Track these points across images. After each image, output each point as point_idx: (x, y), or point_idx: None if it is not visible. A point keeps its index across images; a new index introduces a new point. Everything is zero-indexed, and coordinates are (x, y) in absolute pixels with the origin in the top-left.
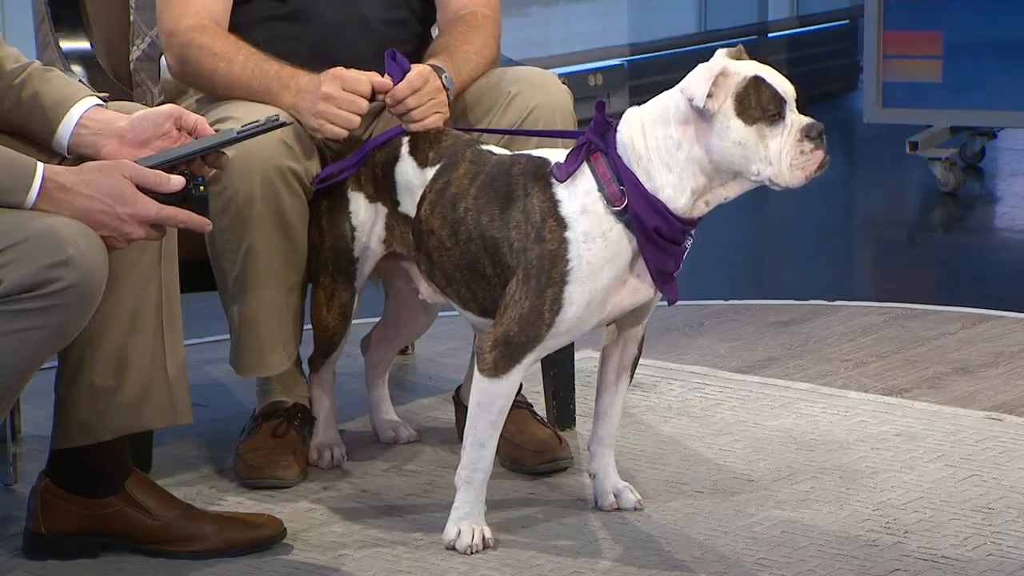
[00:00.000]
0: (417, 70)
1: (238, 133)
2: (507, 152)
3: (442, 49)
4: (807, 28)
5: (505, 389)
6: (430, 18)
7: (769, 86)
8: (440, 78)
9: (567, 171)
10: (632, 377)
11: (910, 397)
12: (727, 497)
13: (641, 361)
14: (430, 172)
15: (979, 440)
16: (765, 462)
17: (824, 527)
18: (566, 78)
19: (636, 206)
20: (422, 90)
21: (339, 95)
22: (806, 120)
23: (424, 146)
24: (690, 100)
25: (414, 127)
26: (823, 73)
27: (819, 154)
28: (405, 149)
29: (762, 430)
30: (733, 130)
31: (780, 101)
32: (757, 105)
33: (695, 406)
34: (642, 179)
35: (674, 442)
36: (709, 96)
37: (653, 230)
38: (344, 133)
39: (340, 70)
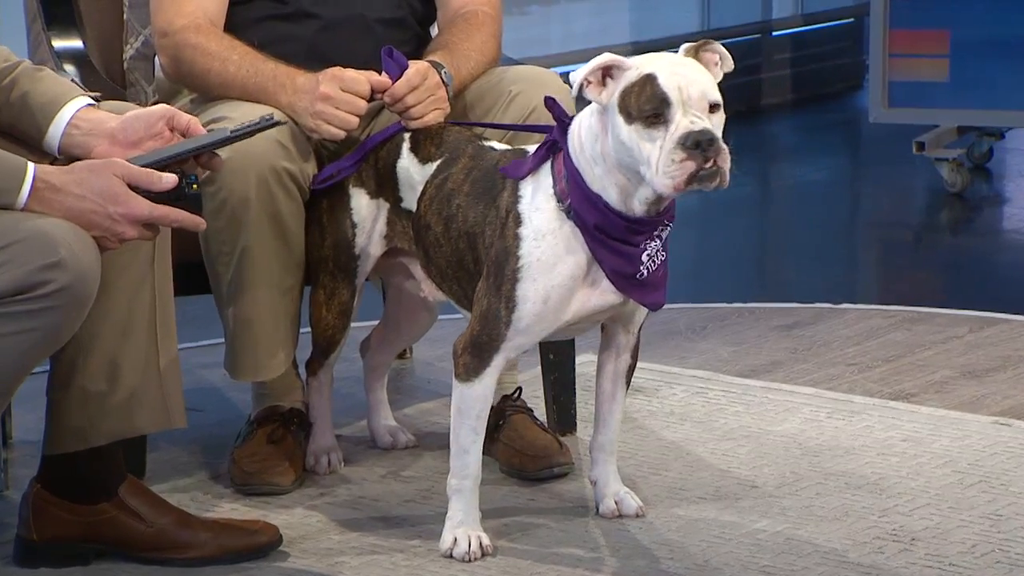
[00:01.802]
0: (415, 67)
1: (232, 133)
2: (508, 148)
3: (442, 46)
4: (812, 26)
5: (479, 392)
6: (430, 18)
7: (655, 86)
8: (439, 74)
9: (526, 168)
10: (628, 385)
11: (917, 402)
12: (730, 504)
13: (643, 365)
14: (431, 167)
15: (987, 445)
16: (769, 468)
17: (829, 534)
18: (567, 77)
19: (576, 202)
20: (421, 87)
21: (337, 95)
22: (687, 127)
23: (426, 142)
24: (571, 87)
25: (413, 124)
26: (828, 72)
27: (689, 165)
28: (407, 145)
29: (766, 435)
30: (616, 126)
31: (661, 103)
32: (636, 104)
33: (698, 411)
34: (585, 176)
35: (676, 448)
36: (603, 87)
37: (594, 227)
38: (342, 134)
39: (338, 70)
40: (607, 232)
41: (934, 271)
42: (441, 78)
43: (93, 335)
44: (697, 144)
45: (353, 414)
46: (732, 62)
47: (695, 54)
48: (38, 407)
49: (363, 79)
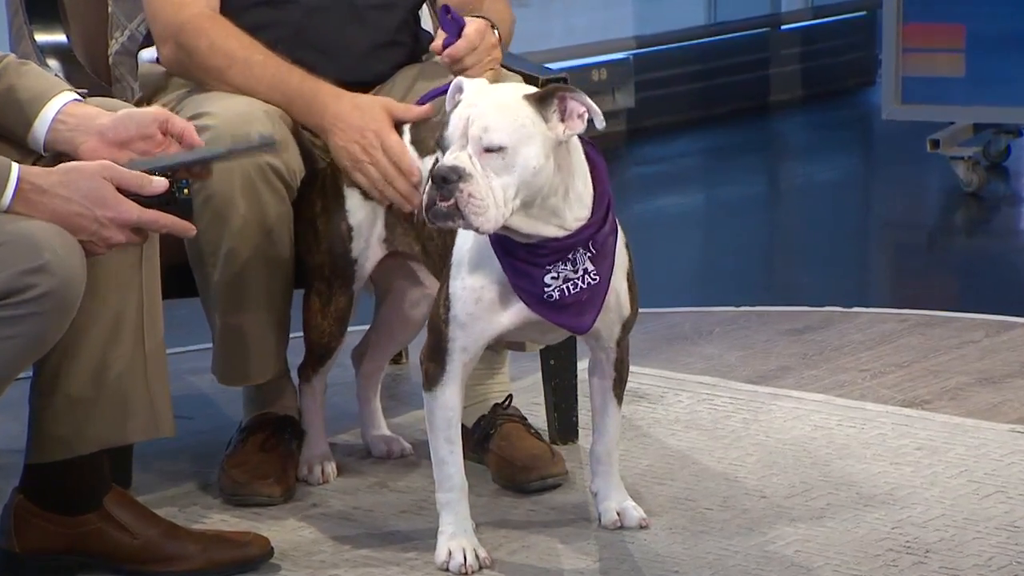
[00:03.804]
0: (474, 26)
1: (229, 150)
2: None
3: (476, 12)
4: (822, 20)
5: (442, 401)
6: (419, 2)
7: (448, 116)
8: (495, 33)
9: None
10: (621, 398)
11: (931, 409)
12: (738, 514)
13: (647, 371)
14: (430, 160)
15: (1004, 454)
16: (778, 477)
17: (840, 546)
18: (568, 73)
19: None
20: (480, 47)
21: (383, 163)
22: (444, 161)
23: (426, 136)
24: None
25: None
26: (839, 67)
27: (429, 197)
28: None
29: (775, 443)
30: None
31: (443, 134)
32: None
33: (704, 418)
34: None
35: (682, 456)
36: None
37: (496, 240)
38: (377, 184)
39: (383, 127)
40: (507, 249)
41: (949, 273)
42: (492, 25)
43: (78, 340)
44: (439, 179)
45: (346, 422)
46: (602, 119)
47: (537, 99)
48: (21, 415)
49: (401, 149)
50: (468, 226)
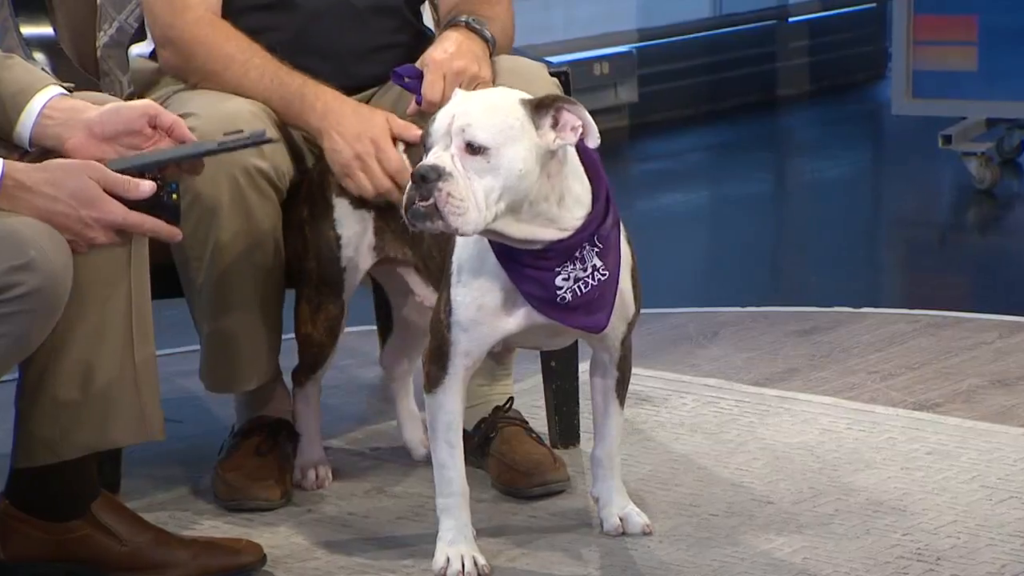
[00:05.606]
0: (430, 75)
1: (219, 145)
2: None
3: (464, 12)
4: (831, 12)
5: (443, 403)
6: (419, 2)
7: (433, 116)
8: (478, 32)
9: None
10: (623, 399)
11: (943, 412)
12: (744, 520)
13: (651, 373)
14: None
15: (1018, 459)
16: (785, 483)
17: (849, 553)
18: (570, 67)
19: None
20: (446, 87)
21: (371, 164)
22: (426, 160)
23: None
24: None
25: None
26: (848, 61)
27: (409, 197)
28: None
29: (782, 448)
30: None
31: (428, 133)
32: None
33: (709, 422)
34: None
35: (686, 461)
36: None
37: (498, 248)
38: (359, 192)
39: (381, 133)
40: (512, 256)
41: (961, 273)
42: (473, 28)
43: (65, 341)
44: (418, 178)
45: (342, 425)
46: (597, 137)
47: (533, 105)
48: (6, 418)
49: (397, 160)
50: (447, 228)
